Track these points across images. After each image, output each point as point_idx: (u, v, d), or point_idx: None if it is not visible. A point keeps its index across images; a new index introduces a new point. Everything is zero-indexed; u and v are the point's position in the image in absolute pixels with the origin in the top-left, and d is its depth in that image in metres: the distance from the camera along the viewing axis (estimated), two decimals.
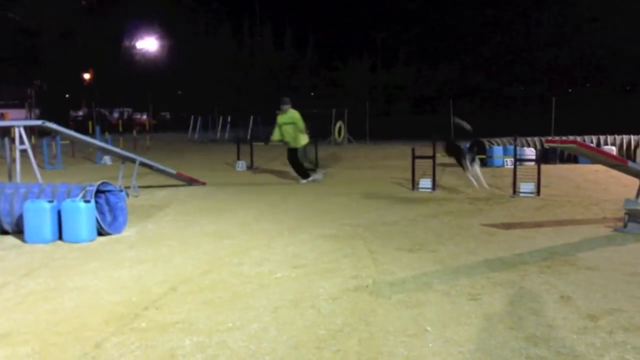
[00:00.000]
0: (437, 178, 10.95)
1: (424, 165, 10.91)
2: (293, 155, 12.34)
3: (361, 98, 35.35)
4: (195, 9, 47.89)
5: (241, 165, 14.89)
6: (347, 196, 10.37)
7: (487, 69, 43.54)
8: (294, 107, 12.48)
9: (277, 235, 7.16)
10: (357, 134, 25.36)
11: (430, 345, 3.80)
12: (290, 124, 12.27)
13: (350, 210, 8.99)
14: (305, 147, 12.56)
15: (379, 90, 45.20)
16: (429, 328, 4.08)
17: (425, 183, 10.77)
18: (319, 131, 22.13)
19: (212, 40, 46.35)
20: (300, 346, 3.83)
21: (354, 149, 22.09)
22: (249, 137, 25.01)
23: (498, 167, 14.43)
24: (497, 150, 15.18)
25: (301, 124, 12.29)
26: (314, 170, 12.88)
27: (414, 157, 10.82)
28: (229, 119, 29.57)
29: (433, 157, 10.69)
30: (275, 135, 12.54)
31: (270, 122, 29.41)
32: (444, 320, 4.24)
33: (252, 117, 28.36)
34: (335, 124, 25.24)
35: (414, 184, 10.88)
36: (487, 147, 15.40)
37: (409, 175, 11.27)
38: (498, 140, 16.59)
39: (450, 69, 44.76)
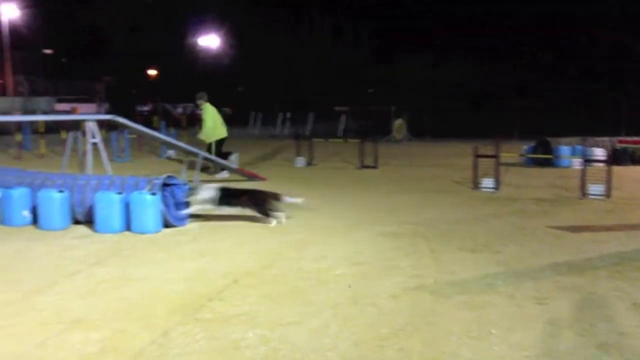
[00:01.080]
0: (500, 178, 10.70)
1: (485, 164, 10.68)
2: (209, 151, 12.30)
3: (421, 95, 34.94)
4: (256, 4, 48.47)
5: (300, 161, 14.98)
6: (407, 194, 10.28)
7: (551, 65, 42.18)
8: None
9: (336, 232, 7.18)
10: (417, 132, 25.08)
11: (495, 348, 3.73)
12: (207, 119, 12.50)
13: (410, 208, 8.90)
14: (217, 143, 12.61)
15: (439, 86, 44.54)
16: (493, 331, 4.00)
17: (487, 182, 10.55)
18: (377, 129, 22.02)
19: (273, 36, 46.80)
20: (362, 343, 3.82)
21: (414, 147, 21.85)
22: (308, 133, 25.15)
23: (565, 167, 13.96)
24: (564, 150, 14.69)
25: (207, 120, 12.41)
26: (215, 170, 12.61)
27: (476, 156, 10.61)
28: (288, 115, 29.79)
29: (496, 156, 10.45)
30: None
31: (330, 118, 29.58)
32: (508, 323, 4.15)
33: (311, 114, 28.48)
34: (394, 122, 25.04)
35: (476, 183, 10.68)
36: (553, 146, 14.92)
37: (469, 174, 11.07)
38: (566, 139, 16.02)
39: (513, 65, 43.61)
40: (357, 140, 15.14)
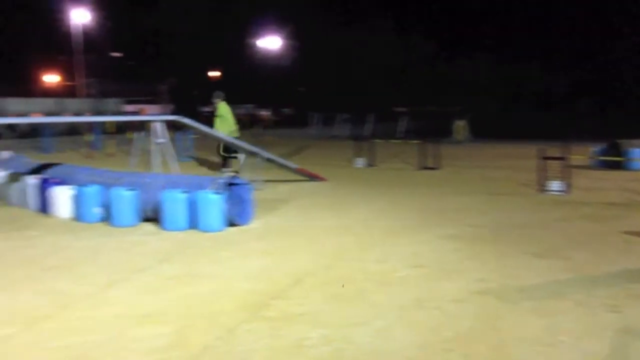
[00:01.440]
0: (568, 180, 10.36)
1: (551, 166, 10.36)
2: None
3: (484, 95, 34.27)
4: (318, 5, 48.74)
5: (361, 162, 14.97)
6: (469, 196, 10.10)
7: (622, 65, 40.54)
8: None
9: (398, 234, 7.13)
10: (480, 133, 24.59)
11: (566, 356, 3.61)
12: (219, 117, 12.91)
13: (473, 210, 8.74)
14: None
15: (503, 86, 43.55)
16: (563, 338, 3.88)
17: (555, 185, 10.23)
18: (438, 130, 21.74)
19: (333, 36, 46.94)
20: (427, 347, 3.78)
21: (476, 148, 21.44)
22: (368, 134, 25.08)
23: (637, 170, 13.37)
24: (638, 152, 14.05)
25: (226, 116, 12.90)
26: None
27: (543, 158, 10.31)
28: (348, 116, 29.81)
29: (564, 158, 10.12)
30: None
31: (390, 119, 29.41)
32: (579, 331, 4.02)
33: (372, 114, 28.40)
34: (456, 122, 24.65)
35: (542, 186, 10.37)
36: (626, 149, 14.29)
37: (535, 176, 10.77)
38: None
39: (581, 65, 42.19)
40: (418, 141, 14.99)
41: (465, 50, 45.96)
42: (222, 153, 12.78)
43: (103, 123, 22.98)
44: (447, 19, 48.91)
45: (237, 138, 12.70)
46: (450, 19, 48.90)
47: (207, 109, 47.47)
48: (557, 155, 10.22)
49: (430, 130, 21.23)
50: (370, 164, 14.83)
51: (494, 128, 24.96)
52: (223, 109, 13.14)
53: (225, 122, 12.95)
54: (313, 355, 3.67)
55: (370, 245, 6.52)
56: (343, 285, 5.01)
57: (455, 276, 5.33)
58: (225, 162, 12.90)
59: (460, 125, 24.50)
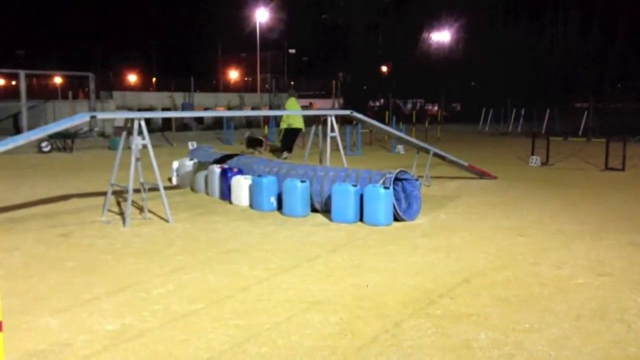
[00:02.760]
0: None
1: None
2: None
3: None
4: None
5: (535, 160, 14.16)
6: None
7: None
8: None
9: (577, 238, 6.65)
10: None
11: None
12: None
13: None
14: (287, 131, 15.68)
15: None
16: None
17: None
18: (626, 127, 19.87)
19: (509, 29, 44.91)
20: None
21: None
22: (544, 130, 23.67)
23: None
24: None
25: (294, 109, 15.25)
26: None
27: None
28: (522, 112, 28.35)
29: None
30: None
31: (570, 115, 27.39)
32: None
33: (548, 110, 26.74)
34: None
35: None
36: None
37: None
38: None
39: None
40: (602, 140, 13.82)
41: None
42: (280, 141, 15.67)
43: (277, 116, 24.26)
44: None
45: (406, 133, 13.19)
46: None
47: (377, 103, 48.09)
48: None
49: (616, 128, 19.47)
50: (546, 163, 13.99)
51: None
52: (295, 103, 15.49)
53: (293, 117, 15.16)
54: (482, 358, 3.57)
55: (544, 249, 6.17)
56: (367, 285, 4.93)
57: None
58: (282, 149, 15.51)
59: None
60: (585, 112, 26.09)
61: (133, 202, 7.66)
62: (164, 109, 28.09)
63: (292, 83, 48.13)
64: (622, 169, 12.68)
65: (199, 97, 32.00)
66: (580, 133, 23.76)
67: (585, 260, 5.71)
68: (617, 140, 13.23)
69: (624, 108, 24.73)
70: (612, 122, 25.32)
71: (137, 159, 7.39)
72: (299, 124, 15.65)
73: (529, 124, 27.37)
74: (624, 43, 44.83)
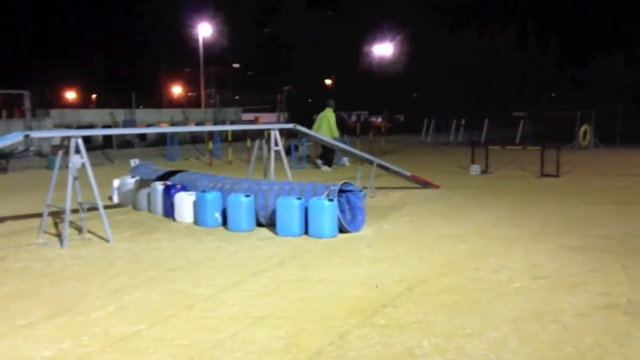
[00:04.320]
0: None
1: None
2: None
3: (611, 98, 32.13)
4: (433, 10, 48.24)
5: (475, 169, 14.55)
6: (594, 205, 9.52)
7: None
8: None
9: (515, 243, 6.87)
10: (606, 138, 23.05)
11: None
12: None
13: (598, 220, 8.23)
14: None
15: (633, 89, 40.58)
16: None
17: None
18: (560, 135, 20.68)
19: (448, 41, 46.18)
20: None
21: (601, 154, 20.17)
22: (483, 139, 24.33)
23: None
24: None
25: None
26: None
27: None
28: (462, 122, 29.11)
29: None
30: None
31: (507, 125, 28.35)
32: None
33: (486, 119, 27.55)
34: (579, 127, 23.29)
35: None
36: None
37: None
38: None
39: None
40: (537, 147, 14.33)
41: (593, 52, 43.37)
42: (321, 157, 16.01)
43: (222, 131, 24.08)
44: (574, 20, 46.44)
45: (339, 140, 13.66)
46: (575, 20, 46.39)
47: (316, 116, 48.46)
48: None
49: (551, 135, 20.24)
50: (485, 171, 14.39)
51: (622, 133, 23.34)
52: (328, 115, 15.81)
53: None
54: None
55: (485, 255, 6.34)
56: (377, 286, 5.03)
57: (578, 289, 5.06)
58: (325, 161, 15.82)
59: (583, 130, 23.11)
60: (522, 121, 27.05)
61: (72, 222, 7.45)
62: (105, 127, 27.41)
63: (236, 97, 47.97)
64: (557, 175, 13.18)
65: (141, 114, 31.40)
66: (517, 141, 24.58)
67: (522, 265, 5.89)
68: (552, 147, 13.73)
69: (558, 116, 25.67)
70: (547, 130, 26.32)
71: (75, 178, 7.20)
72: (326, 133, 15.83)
73: (469, 133, 28.11)
74: (556, 53, 46.75)
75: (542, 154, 13.56)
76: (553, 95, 45.34)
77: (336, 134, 15.84)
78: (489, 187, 12.06)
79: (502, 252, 6.43)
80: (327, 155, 15.98)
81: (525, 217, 8.52)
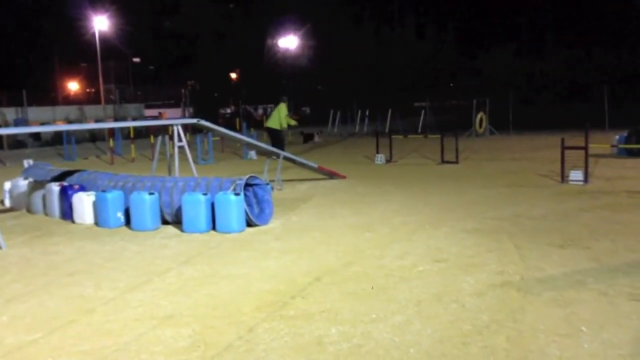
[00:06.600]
0: (589, 170, 10.24)
1: (572, 156, 10.26)
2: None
3: (504, 87, 33.95)
4: (335, 4, 48.81)
5: (380, 158, 14.94)
6: (490, 189, 10.03)
7: None
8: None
9: (418, 229, 7.12)
10: (500, 125, 24.36)
11: (586, 346, 3.59)
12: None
13: (493, 203, 8.69)
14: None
15: (524, 78, 43.08)
16: (583, 328, 3.86)
17: (576, 175, 10.12)
18: (458, 123, 21.61)
19: (351, 34, 46.96)
20: (445, 340, 3.79)
21: (496, 141, 21.29)
22: (387, 129, 24.99)
23: None
24: None
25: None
26: None
27: (563, 148, 10.20)
28: (367, 113, 29.76)
29: (585, 147, 10.01)
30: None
31: (410, 115, 29.31)
32: (600, 320, 3.98)
33: (390, 110, 28.32)
34: (476, 115, 24.44)
35: (563, 176, 10.27)
36: None
37: (556, 167, 10.66)
38: None
39: (607, 53, 41.42)
40: (437, 136, 14.91)
41: (487, 42, 45.58)
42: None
43: (124, 128, 23.23)
44: (469, 12, 48.56)
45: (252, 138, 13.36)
46: (470, 12, 48.54)
47: (228, 110, 47.81)
48: (578, 145, 10.12)
49: (450, 124, 21.11)
50: (390, 160, 14.80)
51: (514, 120, 24.72)
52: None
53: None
54: (332, 352, 3.69)
55: (389, 242, 6.52)
56: (372, 287, 4.95)
57: (475, 270, 5.31)
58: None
59: (480, 118, 24.27)
60: (423, 111, 28.03)
61: None
62: None
63: (138, 93, 46.43)
64: (456, 162, 13.78)
65: (34, 112, 29.66)
66: (419, 130, 25.45)
67: (425, 249, 6.12)
68: (451, 135, 14.33)
69: (457, 105, 26.86)
70: (446, 119, 27.43)
71: None
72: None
73: (373, 123, 28.77)
74: (453, 45, 48.73)
75: (442, 142, 14.13)
76: (451, 85, 47.29)
77: (285, 125, 15.89)
78: (393, 175, 12.42)
79: (405, 239, 6.64)
80: (275, 145, 15.72)
81: (427, 204, 8.85)
